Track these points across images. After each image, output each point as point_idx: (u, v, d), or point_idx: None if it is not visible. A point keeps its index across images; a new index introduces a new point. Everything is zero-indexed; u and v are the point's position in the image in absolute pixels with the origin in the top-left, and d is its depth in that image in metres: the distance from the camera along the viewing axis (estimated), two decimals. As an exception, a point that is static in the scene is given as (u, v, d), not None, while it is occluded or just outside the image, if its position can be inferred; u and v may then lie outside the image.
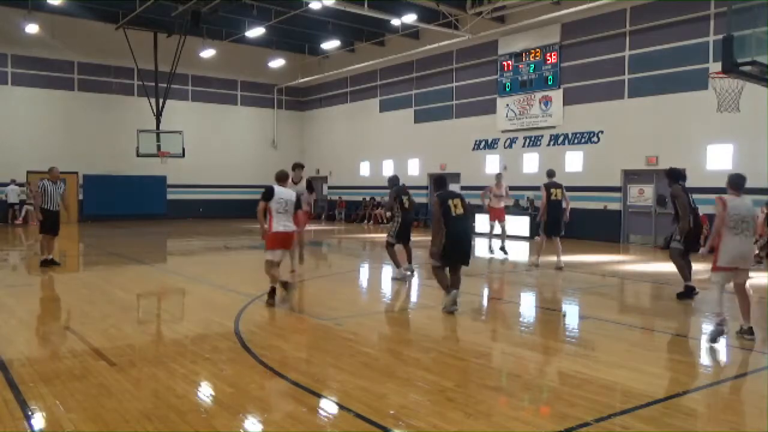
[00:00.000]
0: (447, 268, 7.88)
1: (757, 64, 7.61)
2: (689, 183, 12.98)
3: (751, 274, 6.83)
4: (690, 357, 6.39)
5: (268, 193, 7.96)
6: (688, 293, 8.92)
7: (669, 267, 12.13)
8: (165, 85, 23.99)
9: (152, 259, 14.71)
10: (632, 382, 5.10)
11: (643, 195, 18.10)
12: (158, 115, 24.08)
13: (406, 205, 10.66)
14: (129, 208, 26.91)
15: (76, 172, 25.79)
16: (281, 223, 8.00)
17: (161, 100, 24.14)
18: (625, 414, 4.34)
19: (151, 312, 8.66)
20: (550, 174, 12.94)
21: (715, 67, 13.85)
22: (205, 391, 4.92)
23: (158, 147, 23.74)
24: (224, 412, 4.34)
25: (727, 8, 8.39)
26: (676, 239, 9.00)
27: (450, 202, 7.67)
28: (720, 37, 7.95)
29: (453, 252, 7.66)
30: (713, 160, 16.34)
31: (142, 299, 9.41)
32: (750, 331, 6.56)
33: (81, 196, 26.18)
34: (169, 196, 28.28)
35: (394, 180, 11.13)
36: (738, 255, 6.42)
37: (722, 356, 6.45)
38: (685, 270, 9.00)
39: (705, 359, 6.40)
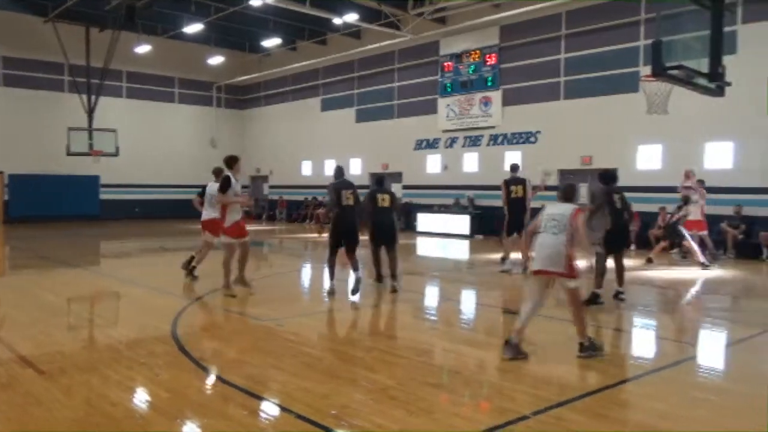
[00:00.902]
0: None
1: (684, 68, 7.97)
2: (621, 182, 13.42)
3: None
4: (622, 350, 6.62)
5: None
6: (593, 299, 8.20)
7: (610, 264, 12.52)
8: (97, 82, 23.15)
9: (85, 261, 14.16)
10: (568, 375, 5.25)
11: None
12: (90, 112, 23.22)
13: (344, 202, 8.91)
14: (59, 208, 25.79)
15: (2, 172, 24.60)
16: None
17: (93, 97, 23.27)
18: (561, 406, 4.46)
19: (83, 317, 8.32)
20: (513, 168, 12.05)
21: (645, 70, 14.40)
22: (141, 397, 4.77)
23: (90, 145, 22.91)
24: (161, 418, 4.22)
25: (656, 14, 8.75)
26: (596, 243, 8.37)
27: (378, 196, 9.20)
28: (650, 41, 8.27)
29: (378, 237, 9.39)
30: (643, 159, 17.03)
31: (73, 303, 9.04)
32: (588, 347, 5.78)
33: (7, 197, 24.96)
34: (103, 196, 27.29)
35: (337, 172, 9.30)
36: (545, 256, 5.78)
37: (651, 349, 6.73)
38: (602, 277, 8.40)
39: (635, 352, 6.66)
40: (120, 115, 26.74)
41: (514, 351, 5.68)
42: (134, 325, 7.11)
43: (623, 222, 8.70)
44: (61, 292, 9.62)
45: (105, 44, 22.31)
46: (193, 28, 23.23)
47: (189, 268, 10.04)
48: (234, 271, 8.81)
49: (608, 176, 8.95)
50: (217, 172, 9.55)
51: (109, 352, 6.00)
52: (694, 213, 13.05)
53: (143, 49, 25.09)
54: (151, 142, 28.34)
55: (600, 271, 8.49)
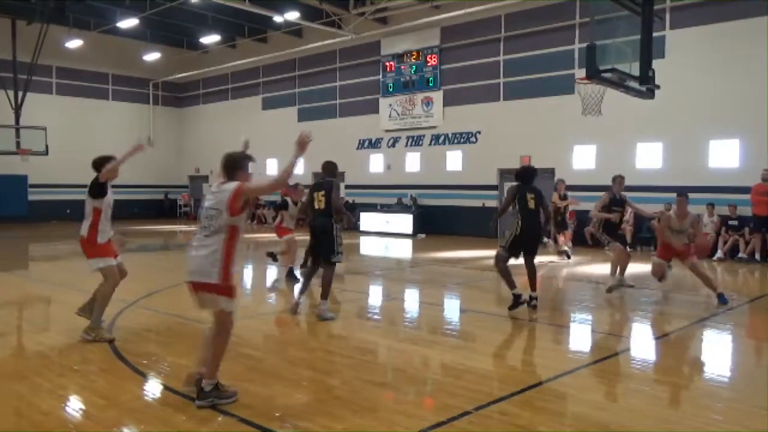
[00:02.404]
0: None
1: (616, 72, 8.27)
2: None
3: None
4: (559, 344, 6.81)
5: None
6: (516, 302, 7.77)
7: (542, 259, 12.87)
8: (25, 77, 22.11)
9: (11, 265, 13.49)
10: (508, 370, 5.37)
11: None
12: (17, 109, 22.17)
13: (316, 206, 7.77)
14: (-16, 209, 24.52)
15: None
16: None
17: (21, 93, 22.21)
18: (502, 401, 4.55)
19: (10, 323, 7.92)
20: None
21: (580, 73, 14.86)
22: (75, 406, 4.57)
23: (18, 144, 21.87)
24: (96, 427, 4.06)
25: (591, 19, 9.03)
26: (501, 245, 8.10)
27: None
28: (584, 45, 8.53)
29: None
30: (579, 159, 17.58)
31: (0, 309, 8.60)
32: None
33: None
34: (31, 197, 26.09)
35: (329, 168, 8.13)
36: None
37: (587, 342, 6.96)
38: (509, 276, 7.89)
39: (572, 346, 6.87)
40: (50, 113, 25.60)
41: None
42: (66, 331, 6.82)
43: (537, 222, 8.07)
44: (-14, 297, 9.14)
45: (33, 38, 21.33)
46: (128, 22, 22.45)
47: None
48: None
49: (521, 174, 8.38)
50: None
51: (39, 359, 5.74)
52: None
53: (74, 43, 24.13)
54: (84, 140, 27.16)
55: (504, 273, 7.86)
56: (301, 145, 4.49)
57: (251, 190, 4.47)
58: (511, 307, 7.74)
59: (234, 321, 4.54)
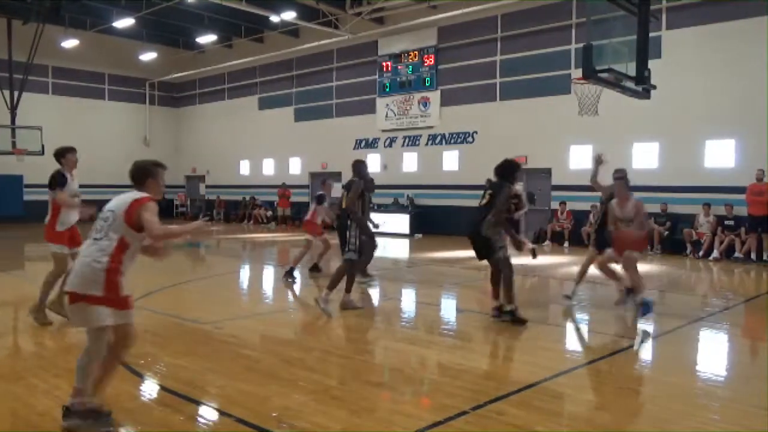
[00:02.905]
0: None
1: (612, 72, 8.27)
2: (556, 181, 13.74)
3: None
4: (555, 344, 6.81)
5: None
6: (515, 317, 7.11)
7: (537, 260, 12.86)
8: (21, 77, 22.04)
9: (7, 265, 13.45)
10: (505, 370, 5.37)
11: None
12: (13, 109, 22.09)
13: (342, 204, 8.26)
14: (-21, 209, 24.42)
15: None
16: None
17: (16, 93, 22.14)
18: (499, 401, 4.55)
19: (6, 323, 7.89)
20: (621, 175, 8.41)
21: (576, 73, 14.87)
22: (71, 406, 4.55)
23: (13, 144, 21.81)
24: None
25: (587, 19, 9.05)
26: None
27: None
28: (581, 45, 8.54)
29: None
30: (575, 159, 17.59)
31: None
32: None
33: None
34: (27, 197, 25.94)
35: (360, 168, 8.35)
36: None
37: (583, 342, 6.97)
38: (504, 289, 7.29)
39: (569, 345, 6.87)
40: (46, 113, 25.53)
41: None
42: (62, 332, 6.80)
43: (476, 221, 7.42)
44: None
45: (29, 38, 21.27)
46: (124, 22, 22.42)
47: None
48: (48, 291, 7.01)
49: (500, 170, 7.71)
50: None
51: (35, 360, 5.72)
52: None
53: (70, 43, 24.08)
54: (80, 140, 26.74)
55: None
56: (196, 232, 4.17)
57: (148, 218, 3.88)
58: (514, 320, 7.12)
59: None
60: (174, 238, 4.10)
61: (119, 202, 3.99)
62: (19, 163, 22.59)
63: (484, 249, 7.35)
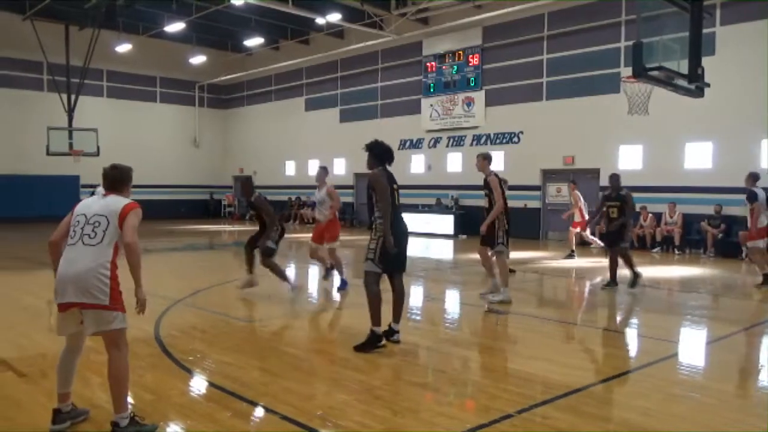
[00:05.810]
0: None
1: (664, 70, 8.06)
2: (604, 181, 13.39)
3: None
4: (604, 347, 6.69)
5: None
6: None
7: (586, 262, 12.65)
8: (77, 81, 22.85)
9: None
10: (551, 374, 5.29)
11: (561, 193, 18.81)
12: (70, 111, 22.92)
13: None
14: (38, 209, 25.29)
15: (-21, 172, 24.21)
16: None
17: (73, 96, 22.97)
18: (545, 404, 4.50)
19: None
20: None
21: (626, 71, 14.57)
22: (124, 400, 4.71)
23: (70, 145, 22.61)
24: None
25: (637, 16, 8.83)
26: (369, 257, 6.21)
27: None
28: (630, 43, 8.35)
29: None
30: (624, 159, 17.19)
31: (54, 306, 8.90)
32: None
33: (-15, 197, 24.57)
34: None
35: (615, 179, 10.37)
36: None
37: (632, 347, 6.81)
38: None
39: (617, 349, 6.73)
40: (101, 115, 26.47)
41: None
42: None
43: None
44: (40, 294, 9.47)
45: (85, 43, 22.03)
46: (175, 27, 23.05)
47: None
48: None
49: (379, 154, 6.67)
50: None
51: (90, 354, 5.92)
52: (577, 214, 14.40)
53: (124, 48, 24.86)
54: (133, 141, 28.02)
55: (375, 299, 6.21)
56: (141, 307, 4.17)
57: (133, 223, 3.95)
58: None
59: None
60: (132, 263, 3.96)
61: (109, 207, 3.98)
62: (75, 164, 23.42)
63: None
